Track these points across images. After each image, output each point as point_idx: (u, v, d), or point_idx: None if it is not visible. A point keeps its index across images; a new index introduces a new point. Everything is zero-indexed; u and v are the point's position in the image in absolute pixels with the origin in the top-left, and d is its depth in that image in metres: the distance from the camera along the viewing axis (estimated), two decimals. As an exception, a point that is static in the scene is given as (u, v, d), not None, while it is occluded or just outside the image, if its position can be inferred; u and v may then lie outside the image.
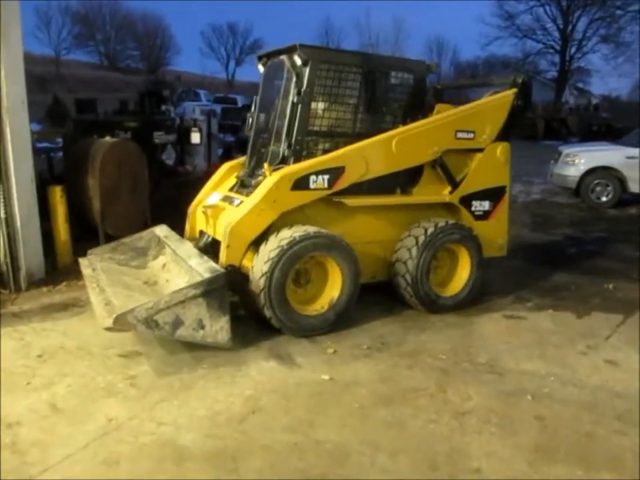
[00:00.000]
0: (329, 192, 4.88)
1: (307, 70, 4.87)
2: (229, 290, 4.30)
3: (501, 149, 5.61)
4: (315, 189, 4.81)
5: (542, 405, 3.72)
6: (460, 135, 5.41)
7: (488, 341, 4.74)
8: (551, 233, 9.03)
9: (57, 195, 6.33)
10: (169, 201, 7.87)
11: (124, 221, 6.98)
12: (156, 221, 7.14)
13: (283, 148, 4.97)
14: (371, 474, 2.99)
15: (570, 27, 31.94)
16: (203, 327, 4.09)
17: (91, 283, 4.76)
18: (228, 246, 4.62)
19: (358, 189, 5.04)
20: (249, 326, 4.79)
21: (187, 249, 4.97)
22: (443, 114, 5.40)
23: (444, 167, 5.41)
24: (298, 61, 4.88)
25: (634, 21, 26.11)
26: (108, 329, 3.85)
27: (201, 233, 5.54)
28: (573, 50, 32.49)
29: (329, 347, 4.47)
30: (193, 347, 4.35)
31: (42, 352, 4.28)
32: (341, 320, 4.79)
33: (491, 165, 5.61)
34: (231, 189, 5.51)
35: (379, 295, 5.51)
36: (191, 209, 5.72)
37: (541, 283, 6.20)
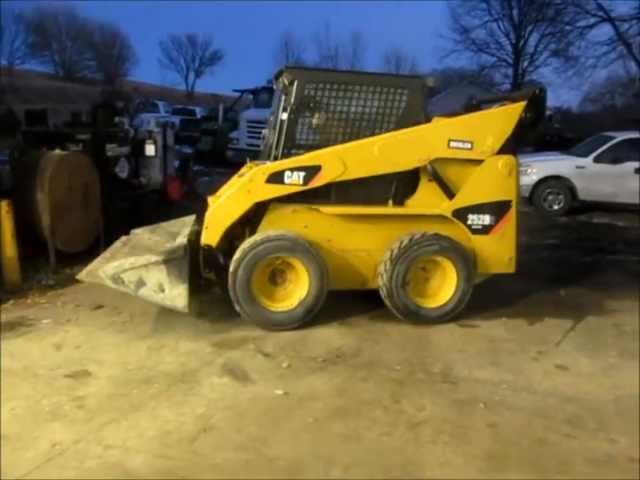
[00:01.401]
0: (304, 188, 5.16)
1: (294, 89, 5.24)
2: (208, 268, 5.19)
3: (504, 162, 5.37)
4: (289, 184, 5.13)
5: (494, 412, 3.75)
6: (454, 144, 5.31)
7: (442, 350, 4.77)
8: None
9: (3, 210, 6.10)
10: (122, 215, 7.72)
11: (75, 236, 6.82)
12: (109, 236, 6.99)
13: (271, 160, 5.35)
14: (324, 490, 2.96)
15: (522, 42, 32.91)
16: (162, 290, 4.65)
17: (106, 253, 5.44)
18: (206, 227, 5.21)
19: (349, 197, 5.34)
20: (202, 343, 4.71)
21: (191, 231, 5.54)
22: (435, 123, 5.47)
23: (437, 178, 5.35)
24: (285, 81, 5.34)
25: (581, 36, 26.98)
26: (81, 280, 4.91)
27: None
28: (526, 63, 33.48)
29: (283, 361, 4.42)
30: (144, 366, 4.26)
31: (-16, 374, 4.11)
32: (310, 317, 5.08)
33: (492, 178, 5.41)
34: None
35: (336, 307, 5.49)
36: (210, 199, 5.81)
37: (494, 291, 6.29)
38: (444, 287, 5.40)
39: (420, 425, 3.58)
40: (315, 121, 5.38)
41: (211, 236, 5.19)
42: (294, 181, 5.13)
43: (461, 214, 5.42)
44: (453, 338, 5.04)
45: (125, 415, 3.58)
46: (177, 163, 10.71)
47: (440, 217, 5.40)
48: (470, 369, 4.38)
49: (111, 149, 7.91)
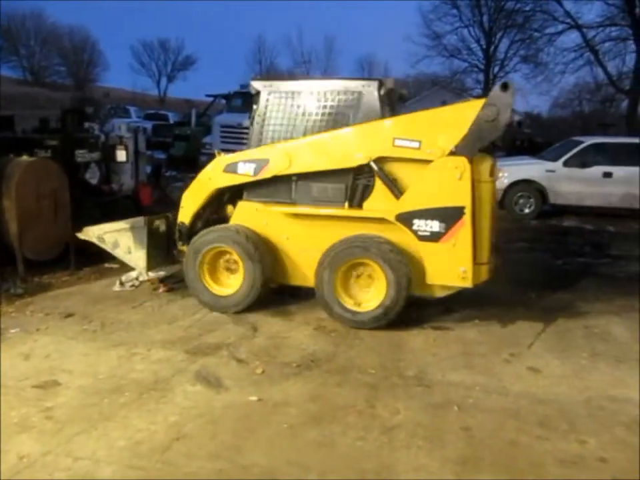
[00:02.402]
0: (254, 179, 5.63)
1: (259, 98, 5.76)
2: (181, 241, 6.05)
3: (455, 164, 4.98)
4: (242, 174, 5.68)
5: (468, 415, 3.78)
6: (399, 142, 5.17)
7: (416, 353, 4.79)
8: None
9: (-31, 218, 5.99)
10: (93, 222, 7.58)
11: (44, 244, 6.69)
12: (79, 244, 6.88)
13: None
14: (299, 497, 2.93)
15: (493, 48, 33.37)
16: (130, 252, 5.91)
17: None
18: (182, 207, 6.04)
19: (309, 198, 5.53)
20: (175, 350, 4.66)
21: None
22: (381, 120, 5.33)
23: (383, 178, 5.28)
24: (253, 91, 5.86)
25: (550, 43, 27.47)
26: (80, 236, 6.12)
27: None
28: (496, 69, 33.88)
29: (257, 367, 4.38)
30: (115, 375, 4.19)
31: (-52, 387, 3.99)
32: (245, 304, 5.51)
33: (441, 181, 5.07)
34: None
35: (309, 312, 5.50)
36: None
37: (467, 294, 6.33)
38: (374, 292, 5.26)
39: (394, 429, 3.58)
40: (277, 126, 5.69)
41: (183, 214, 6.02)
42: (246, 172, 5.65)
43: (405, 218, 5.17)
44: (426, 341, 5.06)
45: (95, 425, 3.51)
46: (148, 169, 10.60)
47: (386, 221, 5.26)
48: (444, 372, 4.40)
49: (81, 155, 7.78)
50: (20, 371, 4.23)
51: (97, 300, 5.89)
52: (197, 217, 6.00)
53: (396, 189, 5.26)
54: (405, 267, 5.11)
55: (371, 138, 5.32)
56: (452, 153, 5.03)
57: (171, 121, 25.23)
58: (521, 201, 11.84)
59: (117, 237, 5.90)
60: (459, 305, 5.79)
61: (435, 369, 4.45)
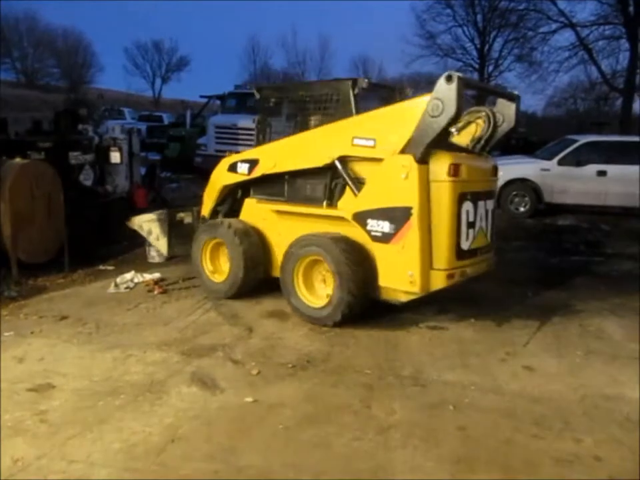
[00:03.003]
0: (248, 178, 6.08)
1: (260, 103, 6.39)
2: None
3: (402, 162, 4.82)
4: (239, 173, 6.15)
5: (463, 414, 3.78)
6: (357, 141, 5.15)
7: (412, 353, 4.78)
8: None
9: (-38, 221, 5.95)
10: (87, 223, 7.57)
11: (38, 246, 6.66)
12: (74, 246, 6.86)
13: None
14: (294, 498, 2.93)
15: (487, 47, 33.43)
16: (158, 239, 6.90)
17: None
18: (203, 202, 6.67)
19: (297, 196, 5.80)
20: (170, 352, 4.65)
21: None
22: (342, 120, 5.42)
23: (344, 177, 5.34)
24: (255, 96, 6.44)
25: (544, 42, 27.52)
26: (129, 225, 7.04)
27: None
28: (491, 68, 33.93)
29: (253, 368, 4.37)
30: (110, 377, 4.18)
31: (-58, 391, 3.97)
32: (232, 292, 5.94)
33: (390, 181, 4.95)
34: None
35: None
36: None
37: (462, 292, 6.34)
38: (327, 289, 5.31)
39: (390, 429, 3.58)
40: (275, 127, 6.18)
41: (204, 209, 6.66)
42: (242, 171, 6.12)
43: (360, 218, 5.13)
44: (422, 341, 5.06)
45: (90, 428, 3.50)
46: (143, 170, 10.58)
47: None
48: (439, 372, 4.40)
49: (75, 157, 7.76)
50: (14, 374, 4.21)
51: (92, 302, 5.87)
52: (215, 211, 6.54)
53: (355, 188, 5.27)
54: (353, 267, 5.05)
55: (334, 137, 5.39)
56: (402, 151, 4.90)
57: (166, 122, 25.15)
58: (516, 199, 11.88)
59: (150, 226, 6.84)
60: (455, 304, 5.80)
61: (431, 369, 4.45)
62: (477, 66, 33.81)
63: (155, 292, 6.16)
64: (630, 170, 11.25)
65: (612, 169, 11.47)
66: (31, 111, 24.00)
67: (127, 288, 6.30)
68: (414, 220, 4.81)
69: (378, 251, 5.08)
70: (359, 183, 5.29)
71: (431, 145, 4.79)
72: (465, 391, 4.09)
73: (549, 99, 33.62)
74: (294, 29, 73.37)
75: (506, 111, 5.45)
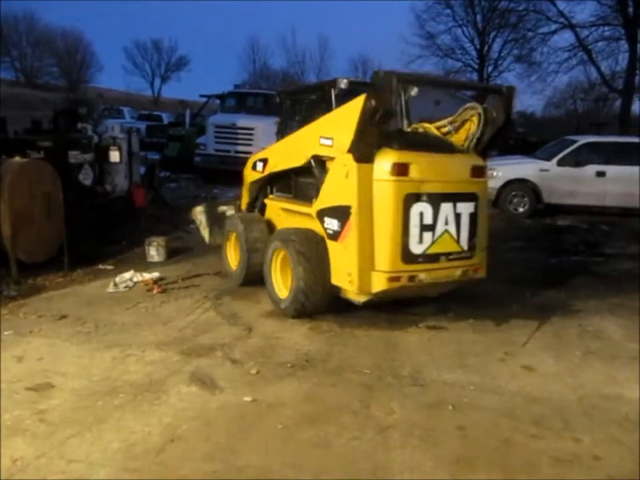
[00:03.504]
0: (262, 175, 6.50)
1: (280, 107, 6.83)
2: None
3: (344, 161, 4.89)
4: (257, 171, 6.62)
5: (463, 414, 3.78)
6: (322, 141, 5.25)
7: (411, 353, 4.78)
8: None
9: (-39, 220, 5.95)
10: (87, 223, 7.56)
11: (38, 246, 6.65)
12: (73, 245, 6.86)
13: None
14: (294, 497, 2.93)
15: (486, 47, 33.48)
16: (204, 229, 7.33)
17: None
18: (243, 197, 7.15)
19: (300, 194, 5.99)
20: (169, 351, 4.64)
21: None
22: (315, 120, 5.59)
23: (313, 175, 5.48)
24: (277, 100, 6.94)
25: (543, 42, 27.56)
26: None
27: None
28: (490, 69, 33.97)
29: (252, 367, 4.37)
30: (109, 376, 4.17)
31: (-59, 390, 3.96)
32: (246, 280, 6.26)
33: (337, 179, 5.03)
34: None
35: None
36: None
37: (461, 292, 6.34)
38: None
39: (389, 429, 3.58)
40: (291, 129, 6.36)
41: (242, 203, 7.11)
42: (259, 169, 6.56)
43: (320, 215, 5.25)
44: (421, 341, 5.06)
45: (89, 427, 3.49)
46: (142, 170, 10.56)
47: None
48: (438, 372, 4.41)
49: (74, 156, 7.73)
50: (13, 373, 4.20)
51: (91, 301, 5.87)
52: (251, 205, 6.90)
53: (318, 187, 5.41)
54: (305, 265, 5.13)
55: (309, 138, 5.57)
56: (349, 150, 4.90)
57: (165, 122, 25.13)
58: (515, 200, 11.89)
59: (200, 217, 7.36)
60: (454, 304, 5.80)
61: (430, 369, 4.46)
62: (476, 66, 33.85)
63: (154, 291, 6.16)
64: (629, 171, 11.27)
65: (611, 170, 11.49)
66: (30, 110, 23.97)
67: (126, 287, 6.29)
68: (353, 219, 4.81)
69: (331, 249, 5.15)
70: (317, 179, 5.48)
71: (367, 143, 4.78)
72: (464, 391, 4.09)
73: (548, 100, 33.75)
74: (293, 29, 73.24)
75: (497, 106, 5.29)
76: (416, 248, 4.83)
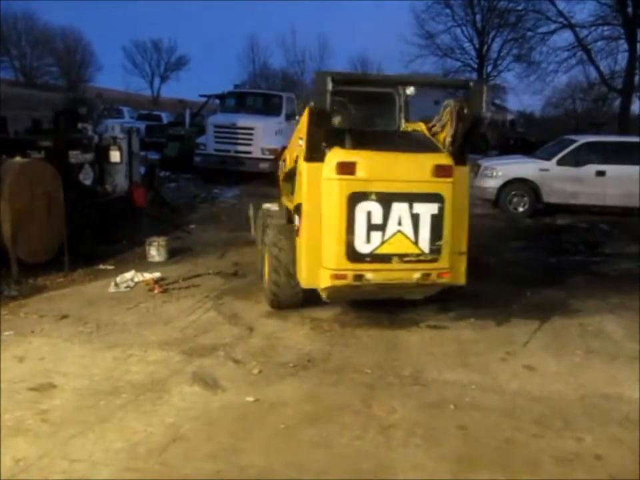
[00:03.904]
0: (286, 170, 6.65)
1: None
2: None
3: (299, 161, 5.13)
4: (283, 171, 7.01)
5: (464, 413, 3.79)
6: (300, 141, 5.36)
7: (412, 352, 4.79)
8: (472, 243, 9.28)
9: (-38, 220, 5.94)
10: (87, 223, 7.57)
11: (38, 246, 6.65)
12: (74, 245, 6.86)
13: None
14: (296, 497, 2.93)
15: (485, 47, 33.52)
16: (252, 224, 7.85)
17: None
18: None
19: (293, 193, 6.02)
20: (171, 351, 4.65)
21: None
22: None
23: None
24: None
25: (543, 42, 27.58)
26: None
27: None
28: (489, 68, 34.03)
29: (254, 367, 4.38)
30: (111, 376, 4.18)
31: (-57, 390, 3.96)
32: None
33: (297, 178, 5.32)
34: None
35: (304, 312, 5.49)
36: None
37: (462, 292, 6.34)
38: None
39: (391, 428, 3.59)
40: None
41: (285, 200, 6.74)
42: (283, 168, 6.99)
43: (293, 212, 5.47)
44: (422, 340, 5.07)
45: (91, 427, 3.50)
46: (142, 170, 10.56)
47: None
48: (440, 371, 4.42)
49: (74, 156, 7.73)
50: (15, 373, 4.21)
51: (92, 301, 5.87)
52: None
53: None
54: (274, 260, 5.44)
55: (295, 138, 5.85)
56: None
57: (165, 122, 25.10)
58: (515, 199, 11.87)
59: (249, 213, 8.01)
60: (455, 303, 5.80)
61: (431, 368, 4.47)
62: (475, 66, 33.88)
63: (155, 291, 6.16)
64: (629, 170, 11.27)
65: (611, 169, 11.48)
66: (29, 109, 23.96)
67: (127, 287, 6.29)
68: (304, 216, 4.95)
69: (297, 244, 5.23)
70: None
71: (313, 143, 4.87)
72: (465, 390, 4.10)
73: (547, 99, 33.74)
74: (293, 29, 73.10)
75: (467, 102, 4.97)
76: (363, 247, 4.71)
